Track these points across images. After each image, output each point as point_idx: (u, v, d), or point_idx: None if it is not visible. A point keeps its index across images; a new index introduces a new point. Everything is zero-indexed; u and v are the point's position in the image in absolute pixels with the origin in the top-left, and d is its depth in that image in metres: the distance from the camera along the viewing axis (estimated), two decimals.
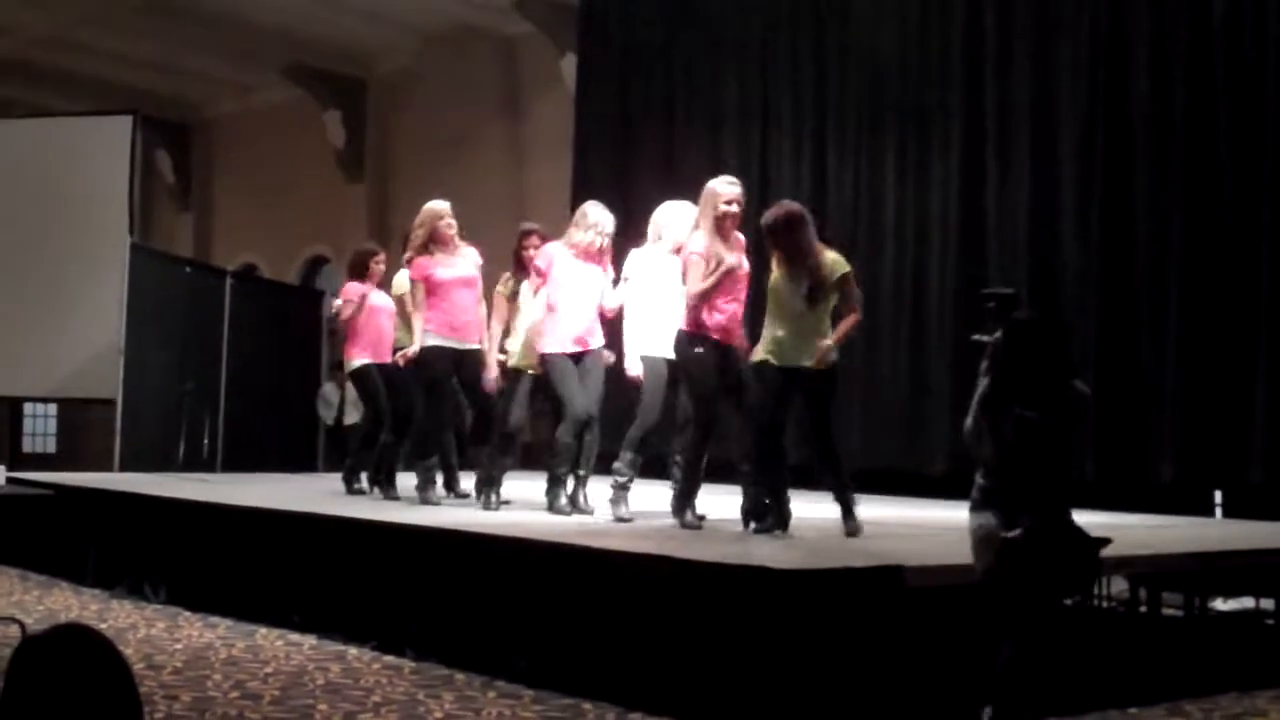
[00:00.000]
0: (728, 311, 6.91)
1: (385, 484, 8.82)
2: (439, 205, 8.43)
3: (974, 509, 4.85)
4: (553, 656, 6.09)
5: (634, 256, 7.69)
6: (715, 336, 6.84)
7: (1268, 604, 7.57)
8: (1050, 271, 10.09)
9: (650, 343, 7.43)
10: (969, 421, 4.87)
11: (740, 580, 5.35)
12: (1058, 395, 4.80)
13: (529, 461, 9.45)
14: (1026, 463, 4.75)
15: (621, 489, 7.33)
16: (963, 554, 4.98)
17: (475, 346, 8.29)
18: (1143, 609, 7.51)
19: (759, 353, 6.72)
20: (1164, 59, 9.59)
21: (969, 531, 4.88)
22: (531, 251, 8.13)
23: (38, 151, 13.37)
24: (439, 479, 8.59)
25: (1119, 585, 7.79)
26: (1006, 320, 5.06)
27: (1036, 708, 4.87)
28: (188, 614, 7.93)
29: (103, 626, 7.14)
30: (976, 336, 5.65)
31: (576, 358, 7.53)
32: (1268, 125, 9.00)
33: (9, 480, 10.51)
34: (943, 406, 10.54)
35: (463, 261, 8.36)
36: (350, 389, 11.20)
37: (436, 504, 8.16)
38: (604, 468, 7.71)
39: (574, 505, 7.59)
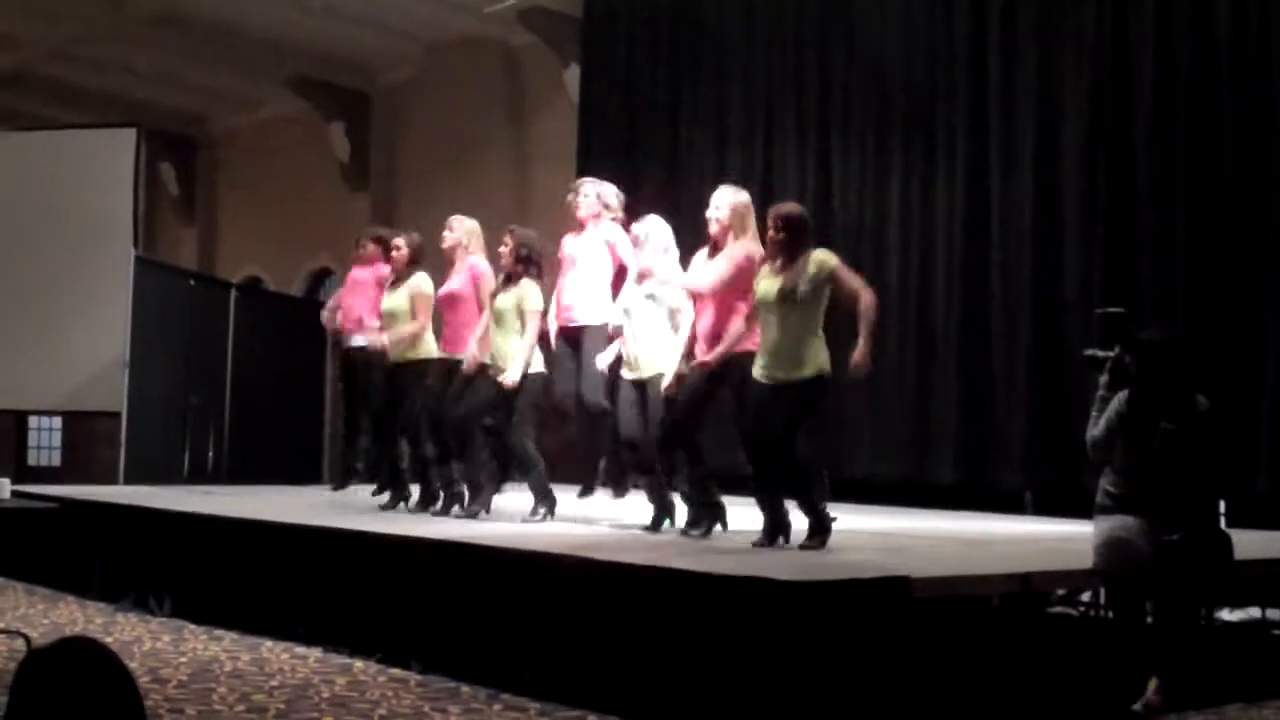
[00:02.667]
0: None
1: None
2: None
3: (1105, 512, 5.37)
4: (559, 669, 6.08)
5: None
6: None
7: (1275, 614, 7.55)
8: (1055, 277, 10.08)
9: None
10: (1099, 432, 5.39)
11: (747, 592, 5.34)
12: (1190, 407, 5.36)
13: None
14: (1171, 470, 5.28)
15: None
16: (970, 565, 4.98)
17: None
18: (1149, 619, 7.49)
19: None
20: (1167, 64, 9.58)
21: (1100, 533, 5.38)
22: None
23: (42, 164, 13.39)
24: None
25: None
26: (1141, 340, 5.53)
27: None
28: (193, 627, 7.93)
29: (108, 640, 7.13)
30: (1090, 352, 5.88)
31: None
32: (1272, 130, 8.99)
33: (14, 493, 10.51)
34: (949, 415, 10.53)
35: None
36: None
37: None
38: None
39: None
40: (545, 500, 7.90)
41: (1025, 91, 10.38)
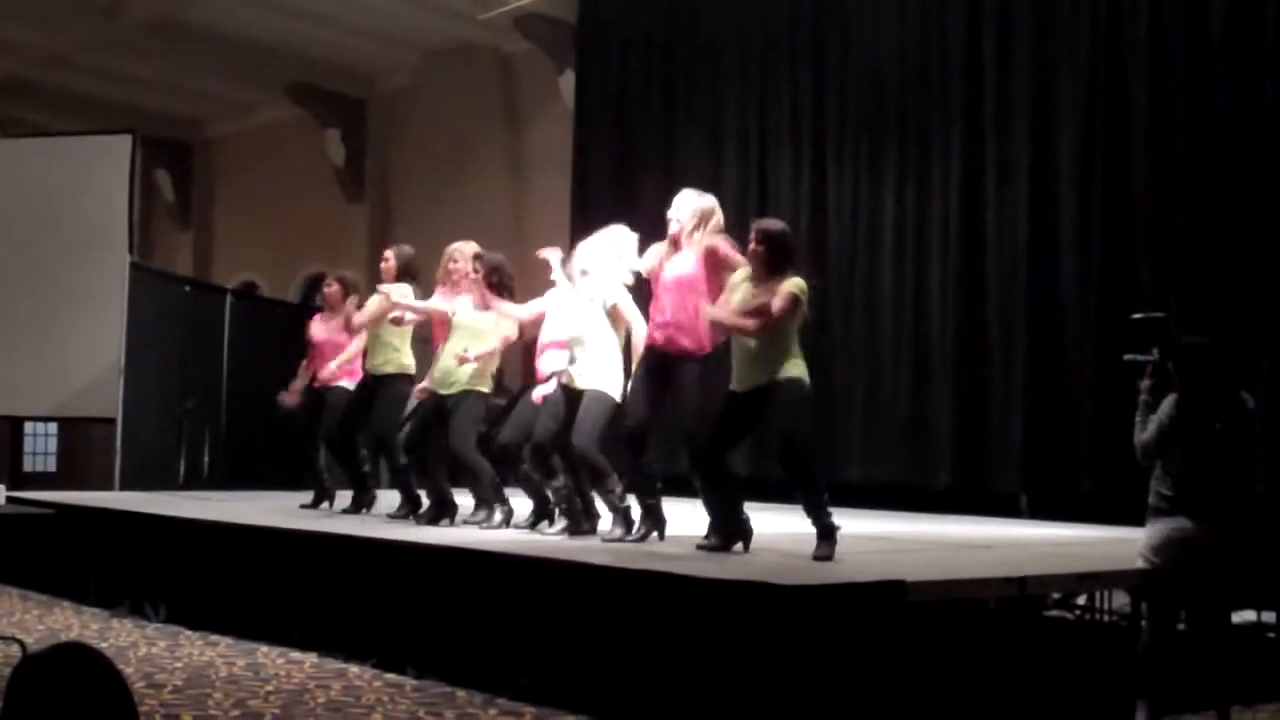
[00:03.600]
0: None
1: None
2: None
3: (1159, 514, 5.53)
4: (555, 674, 6.08)
5: None
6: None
7: (1269, 617, 7.56)
8: (1050, 282, 10.10)
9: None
10: (1150, 436, 5.52)
11: (744, 596, 5.35)
12: (1239, 407, 5.53)
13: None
14: (1223, 471, 5.49)
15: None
16: (966, 569, 4.98)
17: None
18: (1144, 623, 7.49)
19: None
20: (1162, 70, 9.61)
21: (1156, 534, 5.53)
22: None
23: (37, 171, 13.37)
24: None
25: (1121, 599, 7.78)
26: (1184, 345, 5.66)
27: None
28: (188, 632, 7.92)
29: (103, 646, 7.13)
30: (1130, 356, 6.00)
31: None
32: (1267, 137, 9.01)
33: (10, 500, 10.48)
34: (945, 420, 10.54)
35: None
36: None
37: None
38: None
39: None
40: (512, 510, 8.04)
41: (1020, 99, 10.41)
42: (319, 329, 9.62)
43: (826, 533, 6.30)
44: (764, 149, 12.23)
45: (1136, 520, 8.72)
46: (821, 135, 11.82)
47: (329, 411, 9.22)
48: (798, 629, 5.26)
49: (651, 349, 6.88)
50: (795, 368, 6.38)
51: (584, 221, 13.09)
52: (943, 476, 10.51)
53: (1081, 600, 7.99)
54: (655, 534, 6.98)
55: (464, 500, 8.30)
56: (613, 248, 7.23)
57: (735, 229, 7.01)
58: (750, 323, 6.38)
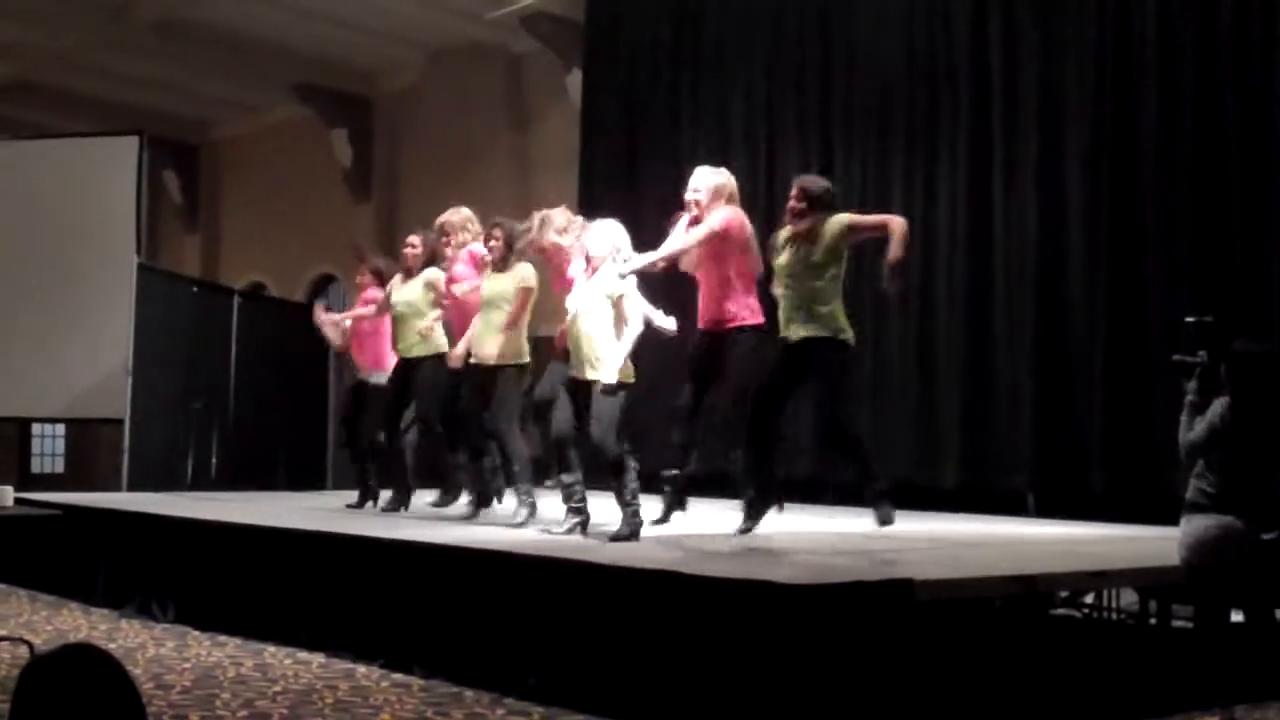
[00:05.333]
0: None
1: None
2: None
3: (1199, 511, 5.63)
4: (562, 673, 6.07)
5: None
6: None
7: None
8: (1058, 284, 10.08)
9: None
10: (1198, 437, 5.62)
11: (750, 595, 5.34)
12: None
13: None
14: (1265, 471, 5.60)
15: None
16: (973, 567, 4.97)
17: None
18: (1152, 621, 7.49)
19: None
20: (1170, 69, 9.58)
21: (1195, 531, 5.63)
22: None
23: (45, 172, 13.40)
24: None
25: (1129, 597, 7.76)
26: (1236, 350, 5.76)
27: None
28: (196, 633, 7.93)
29: (111, 646, 7.14)
30: (1179, 357, 6.12)
31: None
32: (1276, 135, 8.98)
33: (17, 501, 10.49)
34: (952, 419, 10.53)
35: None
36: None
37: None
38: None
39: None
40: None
41: (1028, 96, 10.38)
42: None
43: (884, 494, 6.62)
44: (771, 148, 12.21)
45: (1144, 518, 8.79)
46: (829, 135, 11.80)
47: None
48: (805, 628, 5.26)
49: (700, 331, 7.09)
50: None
51: (591, 219, 13.09)
52: (950, 475, 10.50)
53: (1089, 599, 7.98)
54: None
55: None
56: (613, 242, 7.26)
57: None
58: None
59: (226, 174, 19.96)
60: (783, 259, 6.86)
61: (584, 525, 7.28)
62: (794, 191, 6.86)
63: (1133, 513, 9.08)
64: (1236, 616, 7.44)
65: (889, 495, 6.95)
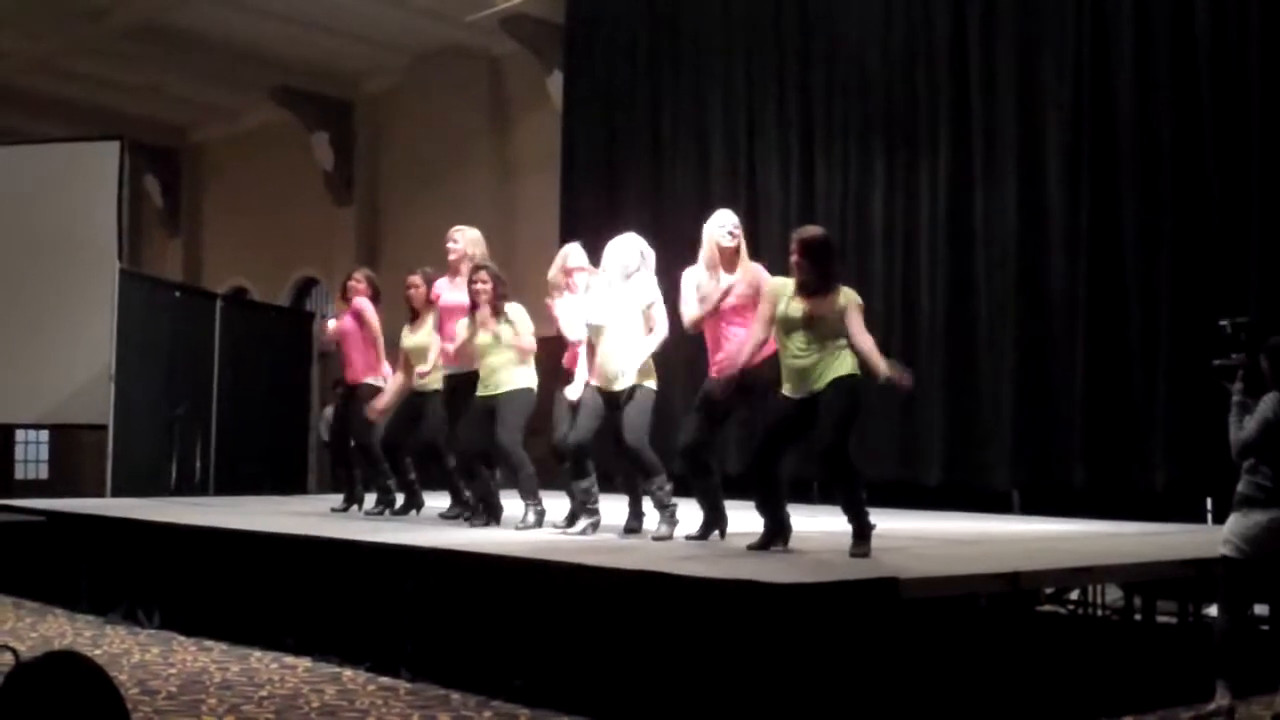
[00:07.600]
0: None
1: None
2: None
3: (1252, 505, 5.73)
4: (549, 675, 6.08)
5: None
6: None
7: (1261, 610, 7.57)
8: (1039, 281, 10.10)
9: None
10: (1251, 435, 5.70)
11: (737, 595, 5.35)
12: None
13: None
14: None
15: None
16: (958, 565, 4.99)
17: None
18: (1137, 616, 7.52)
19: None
20: (1147, 70, 9.61)
21: (1248, 524, 5.71)
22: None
23: (25, 178, 13.37)
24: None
25: (1113, 593, 7.80)
26: (1269, 346, 5.83)
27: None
28: (181, 638, 7.92)
29: (96, 653, 7.13)
30: (1220, 361, 6.28)
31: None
32: (1253, 137, 9.01)
33: (1, 507, 10.48)
34: (936, 418, 10.54)
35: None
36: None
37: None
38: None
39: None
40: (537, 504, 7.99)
41: (1007, 95, 10.40)
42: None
43: (864, 532, 6.37)
44: (752, 148, 12.22)
45: (1128, 514, 8.81)
46: (809, 134, 11.82)
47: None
48: (792, 627, 5.27)
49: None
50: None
51: (573, 221, 13.12)
52: (934, 473, 10.52)
53: (1074, 595, 8.01)
54: (716, 533, 7.15)
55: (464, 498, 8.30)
56: (639, 255, 7.31)
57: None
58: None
59: (208, 178, 19.92)
60: (796, 320, 6.58)
61: (596, 526, 7.46)
62: (796, 247, 6.51)
63: (1115, 509, 9.12)
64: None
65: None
